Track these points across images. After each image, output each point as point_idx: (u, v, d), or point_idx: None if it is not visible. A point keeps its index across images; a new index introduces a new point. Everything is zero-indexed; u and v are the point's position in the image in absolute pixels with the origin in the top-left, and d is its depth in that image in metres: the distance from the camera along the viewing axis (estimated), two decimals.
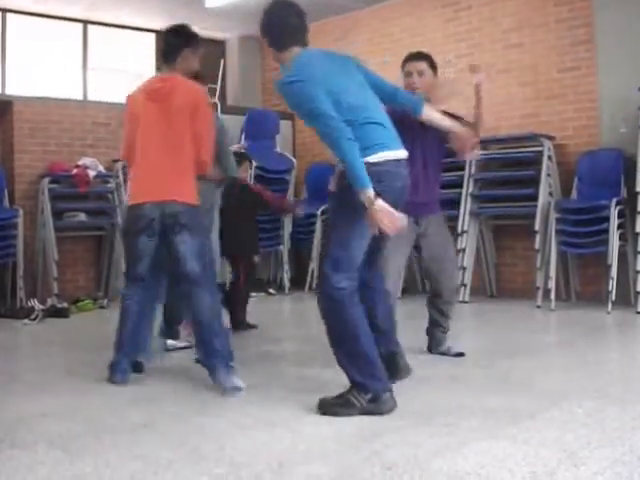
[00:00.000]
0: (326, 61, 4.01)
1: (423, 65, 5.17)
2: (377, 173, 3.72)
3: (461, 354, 5.32)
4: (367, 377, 3.81)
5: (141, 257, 4.65)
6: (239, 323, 6.70)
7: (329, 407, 3.86)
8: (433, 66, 5.24)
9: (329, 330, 3.92)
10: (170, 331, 5.81)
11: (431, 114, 4.44)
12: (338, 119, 3.70)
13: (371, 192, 3.63)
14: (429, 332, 5.44)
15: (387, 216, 3.64)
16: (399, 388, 4.43)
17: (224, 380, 4.43)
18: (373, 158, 3.77)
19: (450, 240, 5.47)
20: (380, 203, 3.63)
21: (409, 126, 4.57)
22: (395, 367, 4.37)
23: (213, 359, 4.51)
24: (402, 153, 3.98)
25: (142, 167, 4.67)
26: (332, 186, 4.41)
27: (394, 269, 4.97)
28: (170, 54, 4.77)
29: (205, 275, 4.57)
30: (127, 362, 4.71)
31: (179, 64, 4.76)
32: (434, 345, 5.40)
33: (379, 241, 4.09)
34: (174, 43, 4.77)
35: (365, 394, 3.80)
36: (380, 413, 3.78)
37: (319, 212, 9.54)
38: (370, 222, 3.69)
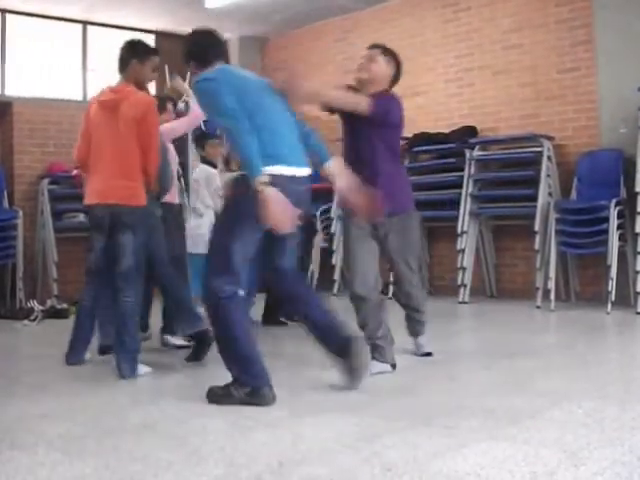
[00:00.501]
0: (245, 77, 4.30)
1: (375, 52, 5.18)
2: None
3: (429, 354, 5.32)
4: (245, 373, 4.11)
5: (94, 251, 5.14)
6: (273, 318, 7.06)
7: (213, 395, 4.17)
8: (390, 58, 5.23)
9: (214, 331, 4.26)
10: (170, 327, 5.89)
11: (333, 170, 4.42)
12: (242, 118, 3.94)
13: (265, 178, 3.84)
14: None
15: (279, 205, 3.82)
16: (400, 389, 4.44)
17: (124, 369, 4.85)
18: (267, 169, 3.93)
19: (411, 243, 5.05)
20: (272, 190, 3.81)
21: (358, 123, 4.78)
22: (348, 353, 4.32)
23: (120, 352, 4.91)
24: (301, 171, 4.15)
25: (94, 171, 5.07)
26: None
27: (360, 269, 4.83)
28: (120, 65, 5.14)
29: (134, 274, 4.96)
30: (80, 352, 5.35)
31: (129, 75, 5.10)
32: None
33: (274, 242, 4.20)
34: (123, 55, 5.13)
35: (243, 388, 4.10)
36: (258, 404, 4.04)
37: (318, 213, 9.55)
38: (262, 213, 3.82)
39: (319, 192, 9.87)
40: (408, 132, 9.08)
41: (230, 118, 3.95)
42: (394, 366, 4.86)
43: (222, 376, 4.22)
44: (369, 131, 4.80)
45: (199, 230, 6.67)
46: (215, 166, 7.08)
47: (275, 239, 4.14)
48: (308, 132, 4.43)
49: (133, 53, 5.11)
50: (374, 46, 5.18)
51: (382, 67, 5.04)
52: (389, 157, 4.89)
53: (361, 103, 4.73)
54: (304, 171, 4.18)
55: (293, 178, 4.07)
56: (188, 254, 6.42)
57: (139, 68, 5.10)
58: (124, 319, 4.92)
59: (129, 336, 4.90)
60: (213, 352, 5.88)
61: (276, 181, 3.89)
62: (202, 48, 4.34)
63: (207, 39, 4.41)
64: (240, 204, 4.02)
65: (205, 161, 7.05)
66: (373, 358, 4.79)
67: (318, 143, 4.48)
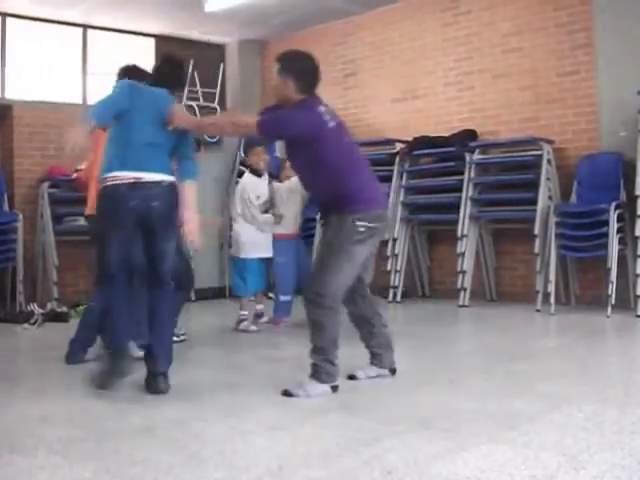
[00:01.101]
0: (141, 93, 4.65)
1: (275, 72, 4.68)
2: (106, 188, 4.45)
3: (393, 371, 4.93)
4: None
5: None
6: None
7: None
8: (284, 75, 4.63)
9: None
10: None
11: (187, 193, 4.77)
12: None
13: (93, 124, 4.35)
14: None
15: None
16: (400, 392, 4.44)
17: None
18: (109, 175, 4.45)
19: (328, 245, 4.59)
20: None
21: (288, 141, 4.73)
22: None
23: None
24: (149, 176, 4.46)
25: None
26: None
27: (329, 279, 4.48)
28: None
29: (98, 280, 4.88)
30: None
31: None
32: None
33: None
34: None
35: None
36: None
37: (318, 216, 9.53)
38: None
39: None
40: (408, 135, 9.14)
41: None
42: (393, 371, 4.84)
43: (220, 380, 4.22)
44: (291, 149, 4.72)
45: (236, 235, 7.17)
46: (260, 174, 7.17)
47: None
48: (186, 152, 4.79)
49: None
50: (276, 60, 4.73)
51: (281, 89, 4.64)
52: (318, 170, 4.57)
53: (248, 125, 4.61)
54: (150, 176, 4.46)
55: (134, 183, 4.42)
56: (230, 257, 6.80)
57: None
58: (95, 320, 5.09)
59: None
60: (215, 357, 5.90)
61: (110, 183, 4.44)
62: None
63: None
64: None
65: (251, 169, 7.21)
66: (372, 364, 4.80)
67: (189, 164, 4.81)
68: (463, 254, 8.33)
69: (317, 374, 4.43)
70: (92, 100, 10.03)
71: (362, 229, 4.45)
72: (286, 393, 4.35)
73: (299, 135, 4.48)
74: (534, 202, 7.82)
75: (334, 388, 4.42)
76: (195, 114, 9.71)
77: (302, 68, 4.69)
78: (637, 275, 7.10)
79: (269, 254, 7.10)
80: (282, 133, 4.68)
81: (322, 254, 4.63)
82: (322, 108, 4.61)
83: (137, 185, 4.40)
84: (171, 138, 4.62)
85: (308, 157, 4.56)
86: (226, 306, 8.92)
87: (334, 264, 4.44)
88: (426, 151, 8.92)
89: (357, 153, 4.77)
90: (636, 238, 7.14)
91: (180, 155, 4.75)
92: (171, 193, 4.54)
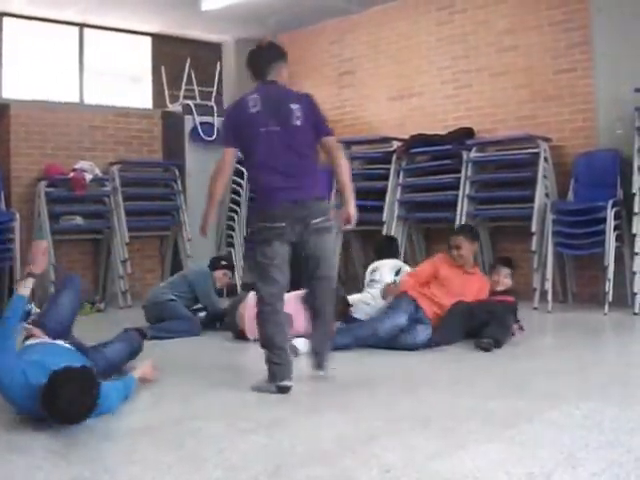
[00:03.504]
0: None
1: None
2: None
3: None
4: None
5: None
6: None
7: None
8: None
9: None
10: None
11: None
12: None
13: None
14: None
15: None
16: (398, 391, 4.45)
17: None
18: None
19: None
20: None
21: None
22: None
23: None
24: None
25: None
26: None
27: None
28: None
29: None
30: None
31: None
32: None
33: None
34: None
35: None
36: None
37: None
38: None
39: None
40: (405, 134, 9.14)
41: None
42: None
43: (219, 381, 4.22)
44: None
45: None
46: None
47: None
48: None
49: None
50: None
51: None
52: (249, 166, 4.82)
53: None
54: None
55: None
56: None
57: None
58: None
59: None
60: (212, 358, 5.89)
61: None
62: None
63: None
64: None
65: None
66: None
67: None
68: None
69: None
70: (88, 100, 10.08)
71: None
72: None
73: (226, 130, 4.81)
74: (531, 200, 7.81)
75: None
76: (191, 112, 9.74)
77: (248, 59, 4.89)
78: (634, 272, 7.10)
79: None
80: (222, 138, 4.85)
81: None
82: (254, 95, 4.73)
83: None
84: None
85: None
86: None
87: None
88: (423, 149, 8.91)
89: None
90: (633, 235, 7.14)
91: None
92: None
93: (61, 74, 10.13)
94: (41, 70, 9.90)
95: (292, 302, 4.98)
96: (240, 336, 6.24)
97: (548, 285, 7.55)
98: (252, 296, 5.68)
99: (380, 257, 7.00)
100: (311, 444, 3.42)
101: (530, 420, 3.68)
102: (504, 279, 6.44)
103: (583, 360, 5.25)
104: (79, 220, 9.06)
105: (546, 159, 7.96)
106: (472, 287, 6.24)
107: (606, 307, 7.08)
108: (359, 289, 6.97)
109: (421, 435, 3.49)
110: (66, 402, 3.55)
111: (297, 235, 4.53)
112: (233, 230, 9.73)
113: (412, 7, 9.60)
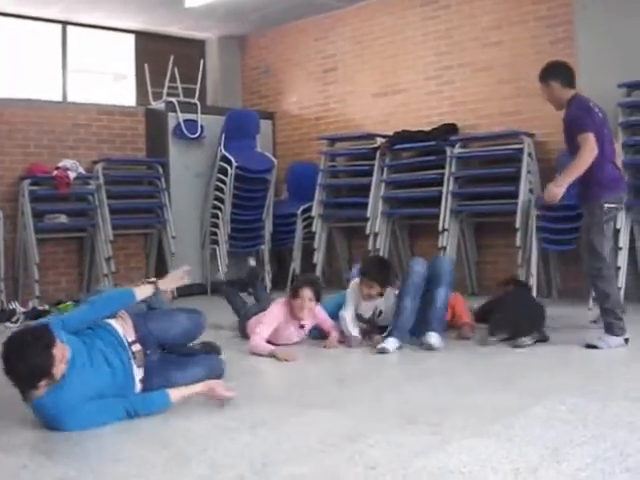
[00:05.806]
0: None
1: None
2: None
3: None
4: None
5: None
6: None
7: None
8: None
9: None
10: None
11: None
12: None
13: None
14: None
15: None
16: (384, 387, 4.45)
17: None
18: None
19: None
20: None
21: None
22: None
23: None
24: None
25: None
26: None
27: None
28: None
29: None
30: None
31: None
32: None
33: None
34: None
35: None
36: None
37: (299, 212, 9.57)
38: None
39: (300, 191, 9.94)
40: (389, 130, 9.14)
41: None
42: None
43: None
44: None
45: None
46: None
47: None
48: None
49: None
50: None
51: None
52: None
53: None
54: None
55: None
56: None
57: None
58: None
59: None
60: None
61: None
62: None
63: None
64: None
65: None
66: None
67: None
68: (444, 248, 8.34)
69: (610, 330, 5.49)
70: (72, 98, 10.04)
71: None
72: (589, 346, 5.40)
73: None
74: (515, 195, 7.84)
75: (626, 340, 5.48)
76: (175, 110, 9.71)
77: (565, 65, 5.89)
78: (618, 268, 7.12)
79: None
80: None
81: None
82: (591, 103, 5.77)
83: None
84: None
85: None
86: (211, 302, 8.89)
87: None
88: (407, 145, 8.92)
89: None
90: (617, 231, 7.16)
91: None
92: None
93: (44, 72, 10.09)
94: (24, 68, 9.86)
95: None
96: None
97: (533, 280, 7.58)
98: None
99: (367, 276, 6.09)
100: (296, 441, 3.42)
101: (515, 415, 3.69)
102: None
103: (567, 355, 5.27)
104: (63, 218, 9.01)
105: (530, 155, 7.99)
106: None
107: (590, 302, 7.10)
108: (343, 286, 6.96)
109: (406, 431, 3.50)
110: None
111: None
112: (217, 227, 9.71)
113: (397, 3, 9.60)
